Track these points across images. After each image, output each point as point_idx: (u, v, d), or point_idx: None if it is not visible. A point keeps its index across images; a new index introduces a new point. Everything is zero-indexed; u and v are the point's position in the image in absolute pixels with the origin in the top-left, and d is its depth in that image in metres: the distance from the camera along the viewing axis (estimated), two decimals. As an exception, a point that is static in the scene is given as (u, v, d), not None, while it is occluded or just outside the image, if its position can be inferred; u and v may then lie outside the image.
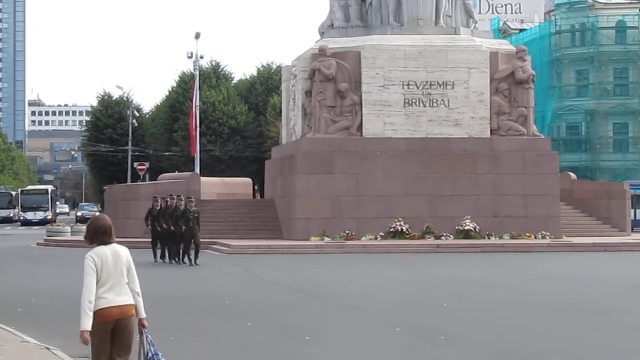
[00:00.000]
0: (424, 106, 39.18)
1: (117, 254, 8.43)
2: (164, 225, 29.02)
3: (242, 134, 73.73)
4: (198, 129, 55.03)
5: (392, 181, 38.16)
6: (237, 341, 12.96)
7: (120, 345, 8.37)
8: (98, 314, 8.22)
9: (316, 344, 12.74)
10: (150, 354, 8.48)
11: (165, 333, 13.54)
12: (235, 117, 73.87)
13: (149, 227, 30.10)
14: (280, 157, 42.65)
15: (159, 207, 29.86)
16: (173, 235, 28.83)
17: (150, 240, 30.39)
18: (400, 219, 37.34)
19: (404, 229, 37.09)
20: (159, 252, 29.76)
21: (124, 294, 8.37)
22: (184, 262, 28.43)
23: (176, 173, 53.72)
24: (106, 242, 8.44)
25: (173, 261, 28.88)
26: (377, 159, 38.32)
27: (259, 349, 12.32)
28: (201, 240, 29.42)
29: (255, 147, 72.54)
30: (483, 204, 38.34)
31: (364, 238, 36.78)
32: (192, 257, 28.20)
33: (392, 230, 37.17)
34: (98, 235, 8.45)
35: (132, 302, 8.41)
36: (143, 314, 8.50)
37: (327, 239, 36.47)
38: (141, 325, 8.52)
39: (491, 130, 39.45)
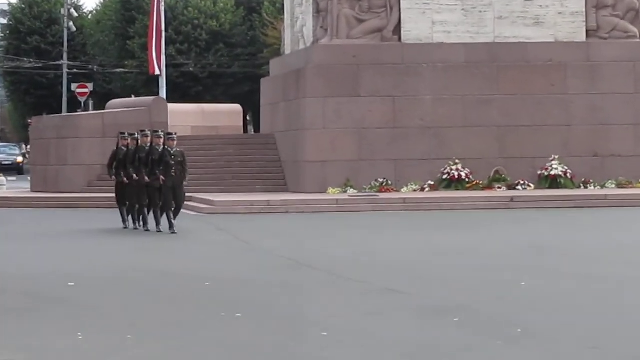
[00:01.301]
0: (491, -3, 39.04)
1: None
2: (134, 175, 28.79)
3: (228, 40, 73.59)
4: (163, 34, 54.86)
5: (445, 106, 38.10)
6: (223, 339, 12.99)
7: None
8: None
9: (338, 342, 12.76)
10: None
11: (122, 329, 13.59)
12: (217, 16, 73.69)
13: (113, 177, 30.04)
14: (283, 74, 42.59)
15: (126, 149, 29.71)
16: (147, 190, 28.48)
17: (114, 195, 30.26)
18: (457, 160, 37.36)
19: (463, 175, 37.14)
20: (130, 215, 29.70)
21: None
22: (148, 229, 28.38)
23: (133, 98, 53.77)
24: None
25: (138, 226, 28.87)
26: (423, 75, 38.23)
27: (254, 351, 12.35)
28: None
29: (247, 60, 72.47)
30: (577, 139, 38.26)
31: (404, 189, 36.87)
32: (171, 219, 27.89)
33: (445, 177, 37.22)
34: None
35: None
36: None
37: (351, 191, 36.55)
38: None
39: (587, 32, 39.26)
